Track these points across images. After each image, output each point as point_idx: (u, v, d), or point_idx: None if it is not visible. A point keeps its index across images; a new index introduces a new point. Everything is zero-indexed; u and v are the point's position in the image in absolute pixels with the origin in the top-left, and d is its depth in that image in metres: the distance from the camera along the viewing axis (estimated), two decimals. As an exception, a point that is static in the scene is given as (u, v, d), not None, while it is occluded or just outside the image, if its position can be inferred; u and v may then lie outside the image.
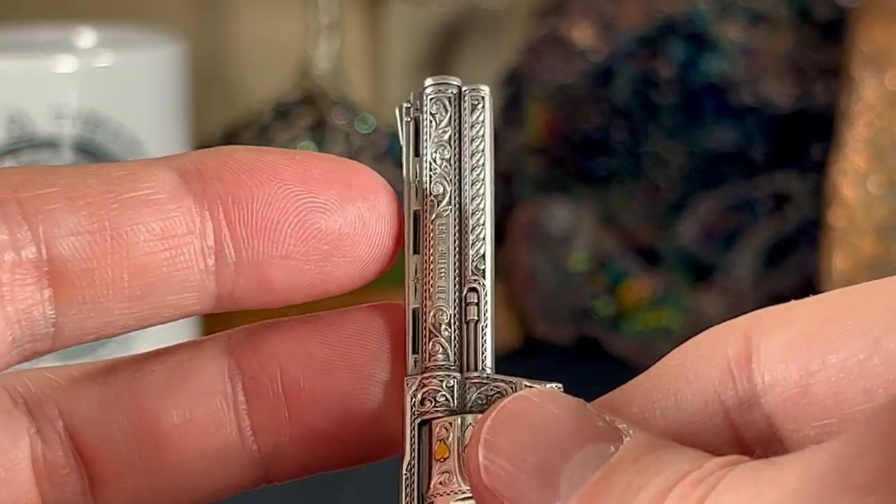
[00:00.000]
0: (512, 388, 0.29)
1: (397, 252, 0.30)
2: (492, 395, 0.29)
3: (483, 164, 0.30)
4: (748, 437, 0.28)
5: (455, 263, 0.30)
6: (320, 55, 0.84)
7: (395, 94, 0.91)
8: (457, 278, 0.30)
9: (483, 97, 0.30)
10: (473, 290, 0.30)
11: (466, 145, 0.30)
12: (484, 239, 0.30)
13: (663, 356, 0.29)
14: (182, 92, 0.71)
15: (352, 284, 0.29)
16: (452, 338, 0.30)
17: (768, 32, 0.76)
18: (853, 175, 0.70)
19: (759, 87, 0.76)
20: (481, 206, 0.30)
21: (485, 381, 0.29)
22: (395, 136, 0.31)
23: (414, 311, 0.30)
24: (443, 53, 0.92)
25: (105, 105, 0.67)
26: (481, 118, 0.30)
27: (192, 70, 0.72)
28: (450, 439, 0.29)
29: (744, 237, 0.76)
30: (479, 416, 0.28)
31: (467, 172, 0.30)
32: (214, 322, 0.36)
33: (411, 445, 0.29)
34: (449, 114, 0.30)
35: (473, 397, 0.29)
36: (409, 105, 0.31)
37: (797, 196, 0.76)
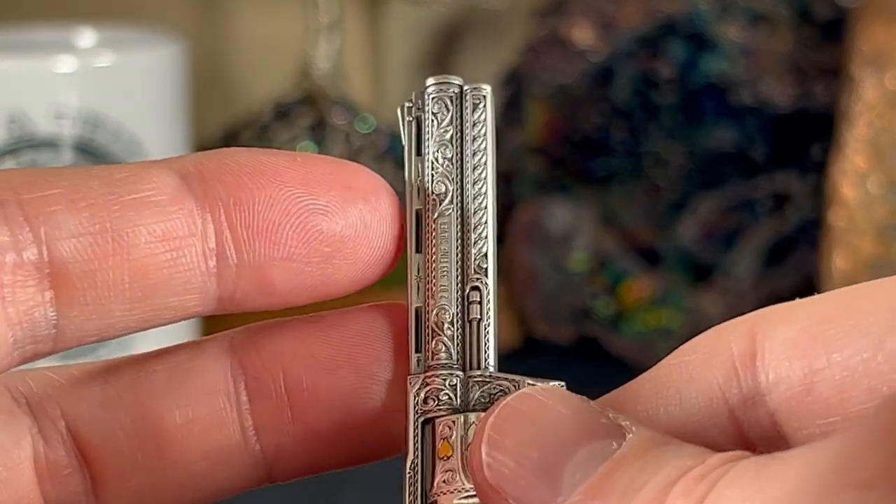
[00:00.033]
0: (515, 386, 0.29)
1: (399, 255, 0.30)
2: (495, 394, 0.29)
3: (485, 163, 0.30)
4: (752, 435, 0.28)
5: (457, 262, 0.30)
6: (320, 55, 0.84)
7: (395, 94, 0.91)
8: (459, 277, 0.30)
9: (484, 96, 0.30)
10: (476, 288, 0.30)
11: (468, 144, 0.30)
12: (486, 238, 0.30)
13: (663, 356, 0.29)
14: (182, 92, 0.71)
15: (353, 286, 0.29)
16: (455, 336, 0.30)
17: (768, 32, 0.76)
18: (853, 175, 0.70)
19: (759, 87, 0.76)
20: (483, 204, 0.30)
21: (488, 380, 0.29)
22: (395, 136, 0.31)
23: (417, 310, 0.30)
24: (443, 53, 0.92)
25: (105, 105, 0.67)
26: (483, 117, 0.30)
27: (192, 70, 0.72)
28: (453, 438, 0.29)
29: (744, 237, 0.76)
30: (483, 414, 0.28)
31: (469, 171, 0.30)
32: (215, 323, 0.36)
33: (415, 444, 0.29)
34: (450, 113, 0.30)
35: (476, 396, 0.29)
36: (411, 104, 0.31)
37: (797, 196, 0.76)
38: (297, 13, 0.86)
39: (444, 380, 0.29)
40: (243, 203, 0.28)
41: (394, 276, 0.30)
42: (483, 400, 0.29)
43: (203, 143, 0.79)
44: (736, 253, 0.76)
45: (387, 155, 0.81)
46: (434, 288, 0.30)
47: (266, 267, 0.28)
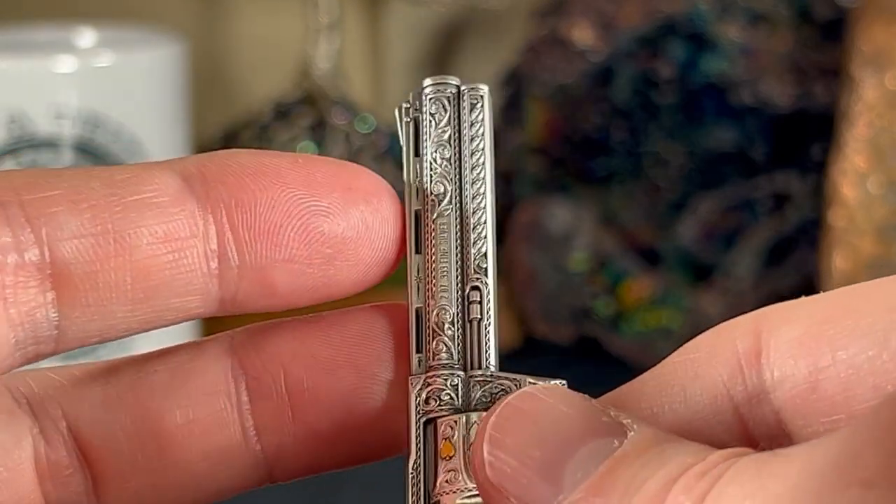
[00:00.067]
0: (516, 385, 0.29)
1: (401, 257, 0.30)
2: (496, 393, 0.29)
3: (483, 163, 0.30)
4: (757, 433, 0.28)
5: (457, 262, 0.30)
6: (320, 55, 0.84)
7: (395, 94, 0.91)
8: (459, 277, 0.30)
9: (482, 96, 0.31)
10: (476, 288, 0.30)
11: (466, 144, 0.30)
12: (485, 237, 0.30)
13: (663, 356, 0.29)
14: (182, 92, 0.71)
15: (355, 288, 0.29)
16: (456, 336, 0.30)
17: (768, 32, 0.76)
18: (853, 175, 0.71)
19: (759, 87, 0.76)
20: (482, 204, 0.30)
21: (489, 379, 0.29)
22: (395, 137, 0.31)
23: (417, 310, 0.30)
24: (443, 53, 0.92)
25: (105, 105, 0.67)
26: (480, 117, 0.30)
27: (192, 70, 0.72)
28: (455, 437, 0.29)
29: (744, 237, 0.76)
30: (484, 413, 0.28)
31: (467, 171, 0.30)
32: (215, 324, 0.36)
33: (416, 444, 0.29)
34: (448, 113, 0.30)
35: (478, 395, 0.29)
36: (409, 105, 0.31)
37: (797, 196, 0.76)
38: (297, 13, 0.86)
39: (446, 380, 0.29)
40: (245, 204, 0.28)
41: (394, 276, 0.30)
42: (484, 399, 0.29)
43: (203, 144, 0.79)
44: (736, 253, 0.76)
45: (387, 155, 0.81)
46: (434, 288, 0.30)
47: (268, 268, 0.28)
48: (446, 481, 0.29)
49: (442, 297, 0.30)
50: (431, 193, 0.30)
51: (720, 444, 0.26)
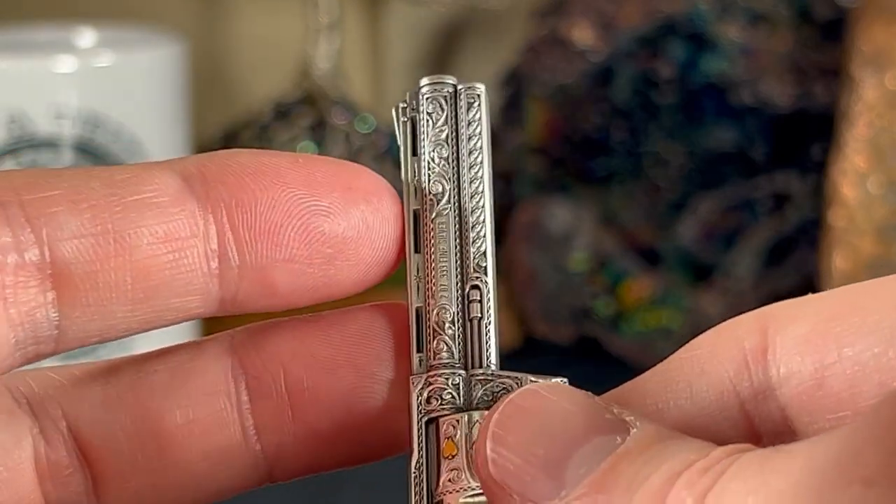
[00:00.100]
0: (517, 383, 0.29)
1: (401, 256, 0.30)
2: (497, 392, 0.29)
3: (481, 162, 0.30)
4: (763, 429, 0.28)
5: (457, 261, 0.30)
6: (320, 55, 0.84)
7: (395, 94, 0.91)
8: (459, 276, 0.30)
9: (479, 95, 0.31)
10: (476, 287, 0.30)
11: (464, 143, 0.30)
12: (484, 236, 0.30)
13: (663, 356, 0.30)
14: (182, 92, 0.71)
15: (355, 288, 0.29)
16: (456, 335, 0.30)
17: (768, 32, 0.76)
18: (853, 175, 0.71)
19: (759, 87, 0.76)
20: (481, 203, 0.30)
21: (490, 378, 0.29)
22: (394, 137, 0.31)
23: (417, 309, 0.30)
24: (443, 53, 0.92)
25: (105, 105, 0.67)
26: (478, 116, 0.30)
27: (192, 70, 0.72)
28: (457, 437, 0.29)
29: (744, 237, 0.76)
30: (486, 412, 0.28)
31: (465, 170, 0.30)
32: (215, 323, 0.36)
33: (419, 444, 0.29)
34: (445, 113, 0.30)
35: (479, 394, 0.29)
36: (406, 105, 0.31)
37: (797, 196, 0.76)
38: (297, 13, 0.86)
39: (447, 379, 0.29)
40: (245, 204, 0.28)
41: (393, 276, 0.30)
42: (486, 398, 0.29)
43: (203, 144, 0.79)
44: (736, 253, 0.76)
45: (387, 155, 0.81)
46: (434, 287, 0.30)
47: (268, 268, 0.28)
48: (449, 480, 0.29)
49: (442, 296, 0.30)
50: (430, 193, 0.30)
51: (726, 441, 0.26)
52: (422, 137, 0.30)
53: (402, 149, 0.31)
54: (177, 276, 0.28)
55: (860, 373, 0.27)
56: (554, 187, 0.78)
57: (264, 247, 0.28)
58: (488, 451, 0.27)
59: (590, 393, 0.27)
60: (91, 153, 0.67)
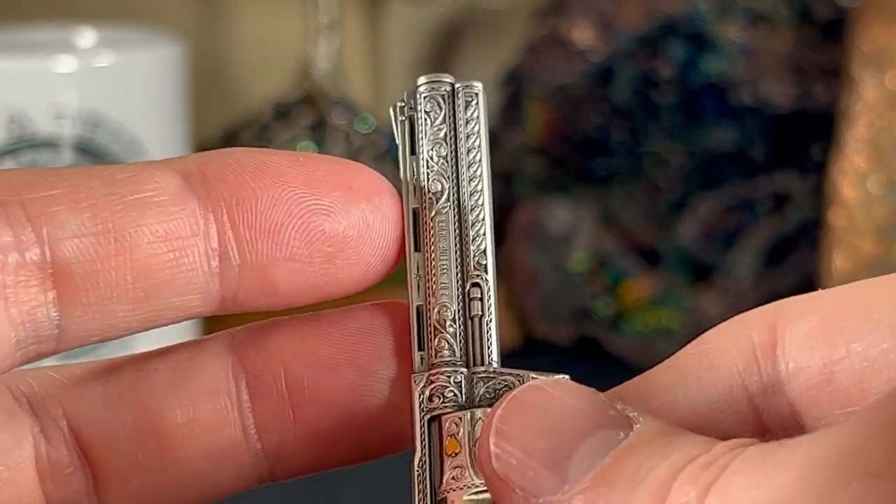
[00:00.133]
0: (519, 380, 0.29)
1: (402, 255, 0.30)
2: (499, 389, 0.29)
3: (480, 160, 0.30)
4: (771, 424, 0.29)
5: (457, 260, 0.30)
6: (320, 55, 0.84)
7: (395, 94, 0.90)
8: (459, 274, 0.30)
9: (476, 93, 0.31)
10: (476, 285, 0.30)
11: (462, 142, 0.30)
12: (484, 234, 0.30)
13: (663, 356, 0.30)
14: (182, 92, 0.71)
15: (356, 287, 0.29)
16: (458, 333, 0.30)
17: (768, 32, 0.76)
18: (853, 175, 0.71)
19: (759, 87, 0.76)
20: (480, 201, 0.30)
21: (492, 376, 0.29)
22: (394, 136, 0.31)
23: (418, 308, 0.30)
24: (443, 53, 0.92)
25: (105, 105, 0.67)
26: (476, 114, 0.30)
27: (192, 70, 0.72)
28: (460, 434, 0.29)
29: (744, 237, 0.76)
30: (489, 409, 0.28)
31: (464, 169, 0.30)
32: (215, 323, 0.36)
33: (422, 442, 0.29)
34: (443, 111, 0.30)
35: (481, 392, 0.29)
36: (403, 104, 0.31)
37: (797, 196, 0.76)
38: (297, 13, 0.87)
39: (449, 377, 0.29)
40: (246, 203, 0.28)
41: (392, 275, 0.30)
42: (488, 396, 0.29)
43: (203, 143, 0.79)
44: (736, 253, 0.76)
45: (387, 155, 0.81)
46: (434, 286, 0.30)
47: (268, 267, 0.29)
48: (453, 478, 0.29)
49: (442, 294, 0.30)
50: (429, 191, 0.30)
51: (734, 435, 0.26)
52: (420, 136, 0.30)
53: (400, 148, 0.31)
54: (177, 274, 0.28)
55: (869, 368, 0.27)
56: (554, 187, 0.78)
57: (265, 245, 0.28)
58: (492, 446, 0.27)
59: (594, 389, 0.27)
60: (91, 153, 0.67)
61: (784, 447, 0.24)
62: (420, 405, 0.29)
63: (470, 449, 0.29)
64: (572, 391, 0.27)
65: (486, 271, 0.30)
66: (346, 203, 0.29)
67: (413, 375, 0.30)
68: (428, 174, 0.30)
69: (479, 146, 0.30)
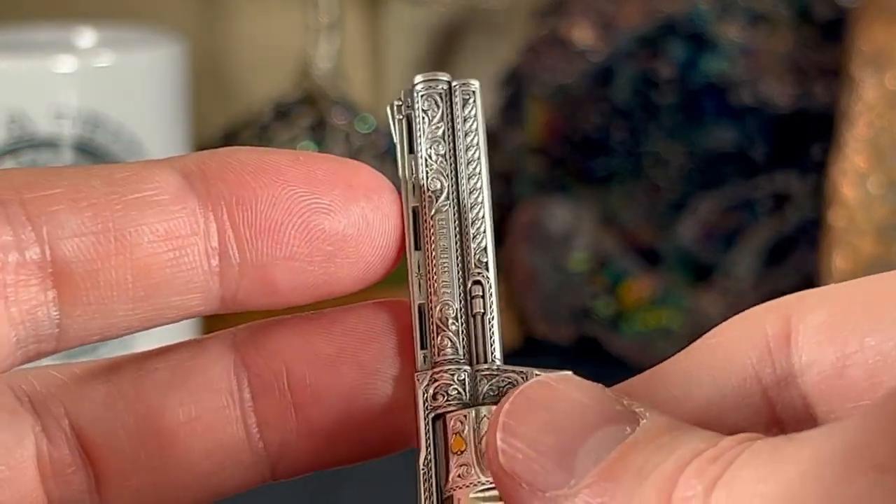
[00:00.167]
0: (523, 378, 0.29)
1: (402, 254, 0.30)
2: (503, 386, 0.29)
3: (478, 158, 0.30)
4: (784, 416, 0.29)
5: (457, 257, 0.30)
6: (320, 55, 0.84)
7: (395, 93, 0.90)
8: (460, 272, 0.30)
9: (473, 91, 0.31)
10: (478, 282, 0.30)
11: (460, 140, 0.30)
12: (484, 232, 0.30)
13: (663, 356, 0.30)
14: (182, 92, 0.71)
15: (356, 286, 0.29)
16: (460, 331, 0.30)
17: (768, 32, 0.76)
18: (853, 175, 0.71)
19: (759, 87, 0.76)
20: (479, 199, 0.30)
21: (496, 373, 0.29)
22: (392, 135, 0.31)
23: (420, 306, 0.30)
24: (443, 53, 0.92)
25: (105, 105, 0.67)
26: (473, 112, 0.30)
27: (192, 70, 0.72)
28: (465, 432, 0.29)
29: (744, 237, 0.76)
30: (493, 407, 0.28)
31: (463, 167, 0.30)
32: (216, 322, 0.36)
33: (426, 440, 0.29)
34: (441, 109, 0.31)
35: (485, 389, 0.29)
36: (401, 103, 0.31)
37: (797, 196, 0.76)
38: (297, 13, 0.87)
39: (452, 375, 0.29)
40: (246, 202, 0.28)
41: (392, 274, 0.30)
42: (492, 393, 0.29)
43: (203, 143, 0.79)
44: (736, 253, 0.76)
45: (387, 154, 0.81)
46: (436, 284, 0.30)
47: (269, 266, 0.29)
48: (459, 476, 0.29)
49: (444, 292, 0.30)
50: (428, 190, 0.30)
51: (748, 427, 0.26)
52: (418, 135, 0.30)
53: (398, 146, 0.31)
54: (177, 273, 0.28)
55: (881, 363, 0.27)
56: (554, 187, 0.78)
57: (265, 244, 0.28)
58: (499, 442, 0.27)
59: (600, 384, 0.28)
60: (91, 153, 0.67)
61: (791, 442, 0.24)
62: (424, 403, 0.29)
63: (475, 446, 0.29)
64: (578, 386, 0.27)
65: (487, 269, 0.30)
66: (346, 201, 0.29)
67: (416, 374, 0.30)
68: (427, 173, 0.30)
69: (478, 144, 0.30)
